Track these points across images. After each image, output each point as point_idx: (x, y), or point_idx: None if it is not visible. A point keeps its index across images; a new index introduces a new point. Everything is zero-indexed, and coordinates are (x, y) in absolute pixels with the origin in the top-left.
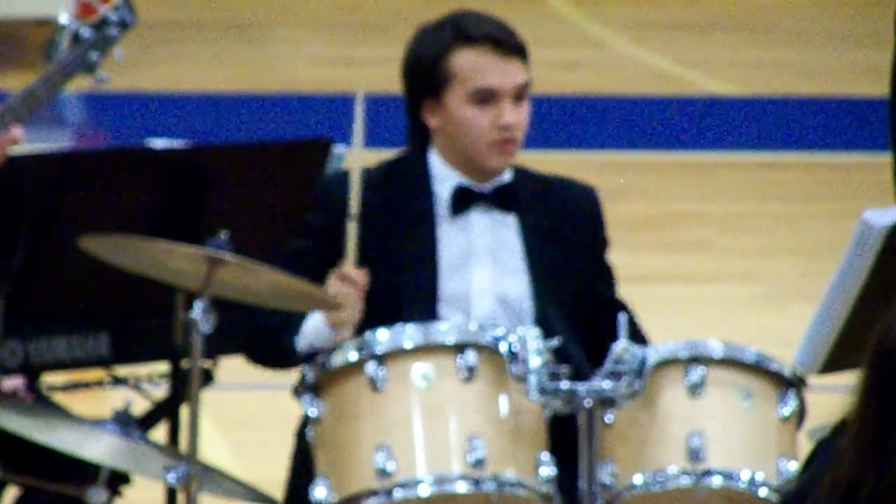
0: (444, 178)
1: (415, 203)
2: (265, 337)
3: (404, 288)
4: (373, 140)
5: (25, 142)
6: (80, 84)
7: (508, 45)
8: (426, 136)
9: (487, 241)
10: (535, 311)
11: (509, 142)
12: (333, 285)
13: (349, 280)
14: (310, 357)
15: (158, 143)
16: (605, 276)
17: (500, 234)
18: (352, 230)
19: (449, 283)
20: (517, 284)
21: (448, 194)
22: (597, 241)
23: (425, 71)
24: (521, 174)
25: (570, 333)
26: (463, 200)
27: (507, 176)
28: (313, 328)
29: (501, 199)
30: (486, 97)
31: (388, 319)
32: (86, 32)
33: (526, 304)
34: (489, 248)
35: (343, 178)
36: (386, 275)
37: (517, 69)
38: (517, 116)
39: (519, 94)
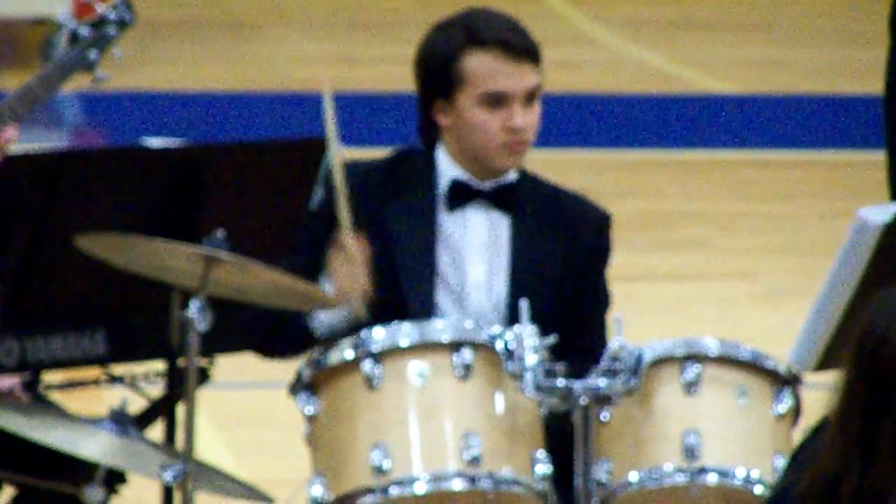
0: (448, 173)
1: (415, 197)
2: (277, 325)
3: (405, 276)
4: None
5: (23, 141)
6: (77, 83)
7: (520, 48)
8: (435, 133)
9: (483, 238)
10: (507, 314)
11: (519, 143)
12: (334, 258)
13: (348, 249)
14: (332, 339)
15: (155, 143)
16: (598, 297)
17: (495, 233)
18: (343, 202)
19: (446, 275)
20: (501, 284)
21: (446, 188)
22: (596, 263)
23: (436, 72)
24: (530, 179)
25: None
26: (460, 196)
27: (511, 176)
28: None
29: (500, 199)
30: (497, 100)
31: (390, 310)
32: (84, 31)
33: (503, 305)
34: (484, 245)
35: (350, 166)
36: (386, 268)
37: (528, 72)
38: (528, 119)
39: (530, 96)
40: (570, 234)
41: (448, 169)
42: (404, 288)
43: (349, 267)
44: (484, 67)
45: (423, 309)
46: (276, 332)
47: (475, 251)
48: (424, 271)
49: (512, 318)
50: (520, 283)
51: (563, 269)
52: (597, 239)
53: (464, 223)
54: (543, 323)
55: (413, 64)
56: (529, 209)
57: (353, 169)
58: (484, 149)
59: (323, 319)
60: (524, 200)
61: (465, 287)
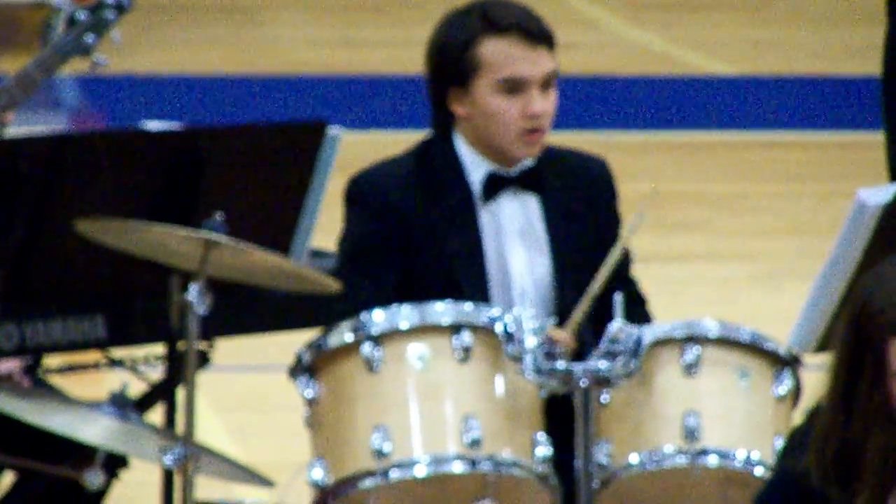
0: (474, 166)
1: (452, 192)
2: None
3: (457, 276)
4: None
5: (23, 124)
6: (76, 67)
7: (537, 33)
8: (450, 123)
9: (518, 224)
10: (555, 294)
11: (537, 131)
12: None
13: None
14: (403, 286)
15: (154, 126)
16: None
17: (527, 217)
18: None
19: (492, 267)
20: (543, 265)
21: (479, 181)
22: (612, 216)
23: (452, 59)
24: (542, 152)
25: (588, 317)
26: (494, 186)
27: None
28: None
29: (528, 182)
30: (515, 86)
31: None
32: (81, 15)
33: (549, 286)
34: (520, 231)
35: (373, 176)
36: (438, 266)
37: (545, 57)
38: (545, 104)
39: (547, 82)
40: (588, 196)
41: (472, 160)
42: (462, 285)
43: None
44: (502, 53)
45: (478, 289)
46: None
47: (513, 237)
48: (475, 265)
49: (558, 297)
50: (562, 261)
51: (595, 234)
52: (607, 190)
53: (498, 212)
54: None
55: (426, 53)
56: (552, 184)
57: (381, 172)
58: (501, 137)
59: None
60: (546, 177)
61: (507, 273)
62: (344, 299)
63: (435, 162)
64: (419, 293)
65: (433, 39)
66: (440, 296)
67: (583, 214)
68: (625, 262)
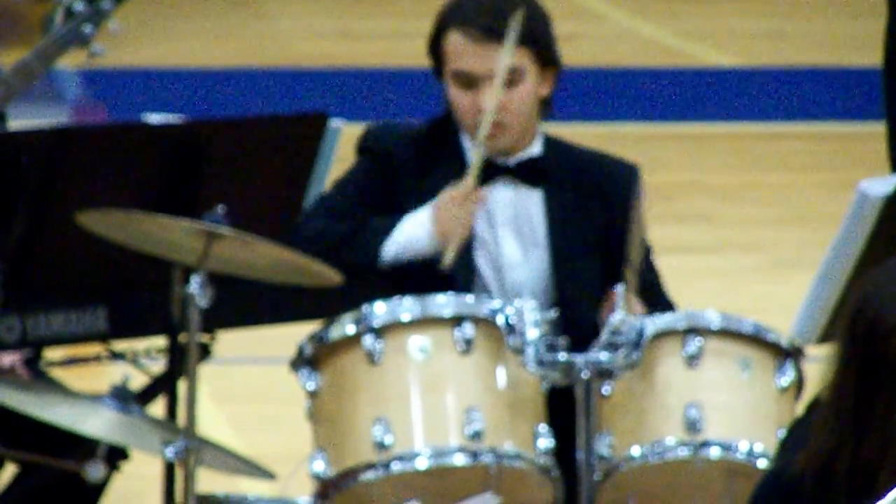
0: (469, 149)
1: (448, 168)
2: (348, 239)
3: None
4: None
5: (23, 117)
6: (77, 59)
7: (488, 29)
8: None
9: (509, 214)
10: (554, 288)
11: (494, 125)
12: (448, 199)
13: (469, 198)
14: (391, 273)
15: (155, 119)
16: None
17: (522, 209)
18: (476, 153)
19: (479, 255)
20: (541, 259)
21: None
22: (628, 220)
23: (430, 47)
24: (555, 147)
25: (591, 315)
26: (487, 174)
27: (536, 149)
28: (410, 234)
29: (526, 174)
30: (467, 80)
31: (433, 278)
32: (79, 6)
33: (547, 280)
34: (511, 221)
35: (386, 128)
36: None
37: (497, 53)
38: (499, 100)
39: (509, 80)
40: (604, 196)
41: (467, 144)
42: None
43: (460, 210)
44: (456, 46)
45: (464, 273)
46: (348, 242)
47: (506, 226)
48: (462, 256)
49: (557, 291)
50: (561, 256)
51: (605, 233)
52: (627, 195)
53: (490, 200)
54: (593, 291)
55: None
56: (560, 180)
57: (393, 128)
58: (465, 128)
59: (397, 247)
60: (553, 172)
61: (500, 263)
62: (296, 228)
63: (441, 141)
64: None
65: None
66: (424, 274)
67: (590, 213)
68: (649, 265)
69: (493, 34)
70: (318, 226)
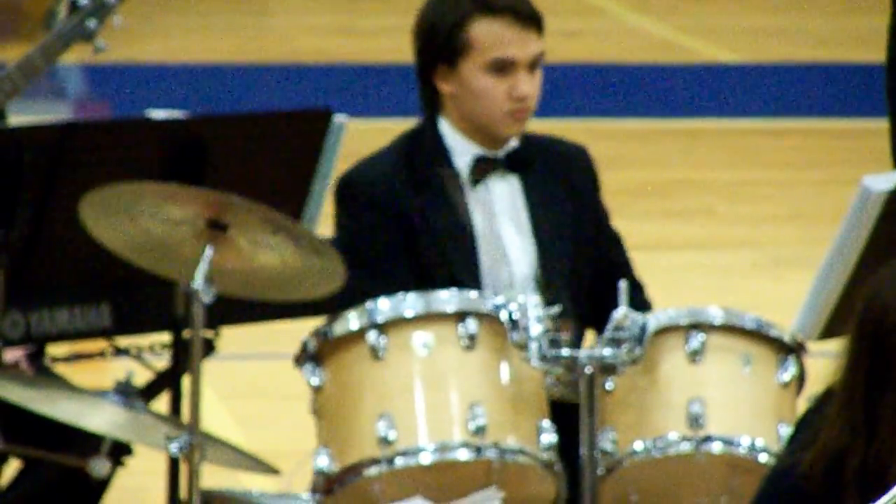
0: (461, 149)
1: (439, 179)
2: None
3: (447, 261)
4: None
5: (27, 113)
6: (80, 55)
7: (527, 15)
8: (435, 101)
9: (507, 205)
10: (538, 276)
11: (523, 110)
12: None
13: None
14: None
15: (158, 115)
16: (612, 241)
17: (514, 198)
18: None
19: (484, 251)
20: (527, 247)
21: (467, 165)
22: (594, 204)
23: (442, 38)
24: (524, 137)
25: (571, 301)
26: (482, 169)
27: (514, 140)
28: None
29: (514, 164)
30: (503, 67)
31: (440, 280)
32: (83, 1)
33: (531, 268)
34: (509, 212)
35: (359, 174)
36: (432, 252)
37: (534, 39)
38: (532, 86)
39: (534, 64)
40: (569, 182)
41: (457, 143)
42: (454, 268)
43: None
44: (492, 34)
45: (468, 270)
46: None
47: (505, 218)
48: (466, 248)
49: (544, 280)
50: (544, 244)
51: (575, 219)
52: (590, 177)
53: (488, 194)
54: (575, 278)
55: (413, 31)
56: (533, 168)
57: (370, 168)
58: (488, 116)
59: None
60: (528, 160)
61: (505, 256)
62: (351, 298)
63: (421, 149)
64: (421, 282)
65: (422, 17)
66: (436, 281)
67: (563, 200)
68: (618, 246)
69: (533, 20)
70: (367, 289)
